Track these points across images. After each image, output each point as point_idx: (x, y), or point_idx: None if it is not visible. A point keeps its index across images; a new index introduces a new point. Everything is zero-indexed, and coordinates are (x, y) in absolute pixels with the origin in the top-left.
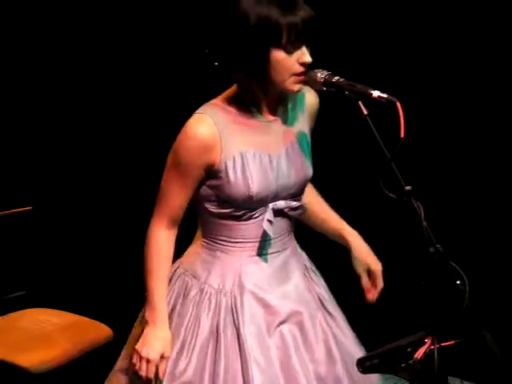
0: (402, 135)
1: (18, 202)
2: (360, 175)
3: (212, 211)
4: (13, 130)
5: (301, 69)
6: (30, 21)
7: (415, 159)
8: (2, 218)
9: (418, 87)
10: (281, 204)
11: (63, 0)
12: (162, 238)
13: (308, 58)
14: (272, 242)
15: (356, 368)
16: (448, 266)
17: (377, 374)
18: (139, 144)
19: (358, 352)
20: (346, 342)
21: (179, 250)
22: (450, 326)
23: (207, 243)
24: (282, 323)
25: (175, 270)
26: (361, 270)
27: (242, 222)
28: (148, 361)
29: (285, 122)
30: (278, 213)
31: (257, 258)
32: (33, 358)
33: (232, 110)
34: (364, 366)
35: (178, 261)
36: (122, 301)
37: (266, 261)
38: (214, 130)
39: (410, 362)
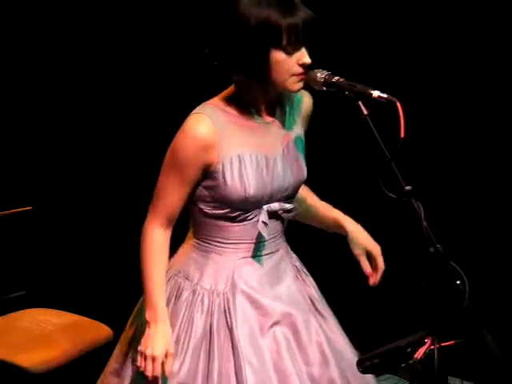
0: (402, 135)
1: (18, 202)
2: (360, 175)
3: (206, 212)
4: (13, 129)
5: (300, 70)
6: (30, 21)
7: (415, 159)
8: (1, 217)
9: (418, 87)
10: (275, 206)
11: (63, 0)
12: (158, 236)
13: (307, 59)
14: (265, 243)
15: (349, 369)
16: (448, 265)
17: (371, 375)
18: (139, 144)
19: (350, 352)
20: (338, 343)
21: (171, 250)
22: (450, 326)
23: (199, 244)
24: (274, 324)
25: (167, 271)
26: (359, 252)
27: (236, 224)
28: (153, 359)
29: (282, 123)
30: (271, 215)
31: (250, 259)
32: (33, 358)
33: (230, 110)
34: (364, 365)
35: (170, 261)
36: (121, 301)
37: (259, 262)
38: (213, 129)
39: (410, 361)
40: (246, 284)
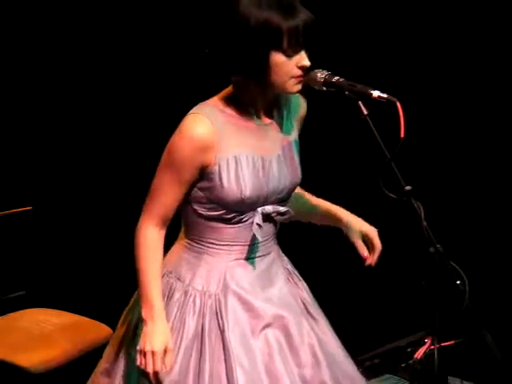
0: (402, 135)
1: (18, 202)
2: (360, 175)
3: (201, 213)
4: (13, 129)
5: (299, 72)
6: (30, 21)
7: (415, 159)
8: (2, 217)
9: (418, 87)
10: (269, 208)
11: (63, 0)
12: (152, 235)
13: (307, 62)
14: (258, 246)
15: (340, 371)
16: (448, 266)
17: (362, 378)
18: (139, 143)
19: (342, 355)
20: (330, 346)
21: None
22: (450, 326)
23: (192, 244)
24: (266, 327)
25: None
26: (356, 237)
27: (230, 225)
28: (153, 353)
29: (280, 126)
30: (265, 217)
31: (242, 261)
32: (33, 358)
33: (228, 111)
34: (364, 365)
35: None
36: (122, 301)
37: (251, 264)
38: (211, 130)
39: (410, 361)
40: (238, 286)
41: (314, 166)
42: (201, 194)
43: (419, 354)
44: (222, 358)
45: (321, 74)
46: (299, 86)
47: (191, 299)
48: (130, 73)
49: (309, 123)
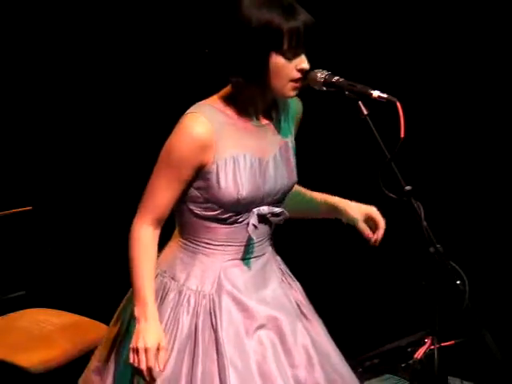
0: (402, 135)
1: (18, 202)
2: (360, 175)
3: (197, 213)
4: (13, 129)
5: (298, 75)
6: (29, 21)
7: (415, 159)
8: (2, 217)
9: (418, 87)
10: (264, 210)
11: (63, 0)
12: (146, 234)
13: (306, 65)
14: (253, 246)
15: (334, 372)
16: (448, 265)
17: (356, 380)
18: (139, 143)
19: (336, 355)
20: (324, 346)
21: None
22: (450, 326)
23: (187, 244)
24: (260, 328)
25: None
26: (357, 221)
27: (226, 226)
28: (146, 350)
29: (277, 128)
30: (260, 218)
31: (237, 261)
32: (33, 358)
33: (226, 111)
34: (364, 365)
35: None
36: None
37: (246, 265)
38: (210, 129)
39: (410, 361)
40: (233, 286)
41: (314, 166)
42: (197, 193)
43: (419, 354)
44: (215, 358)
45: (321, 74)
46: (295, 93)
47: (185, 299)
48: (129, 72)
49: (309, 123)
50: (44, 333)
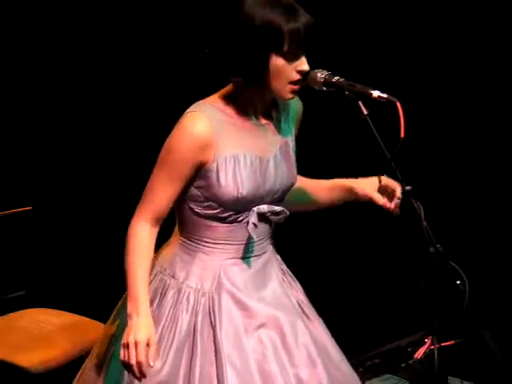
0: (402, 135)
1: (18, 202)
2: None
3: (197, 211)
4: (13, 129)
5: (298, 76)
6: (29, 21)
7: (415, 159)
8: (2, 217)
9: (418, 87)
10: (264, 208)
11: (63, 0)
12: (143, 232)
13: (306, 67)
14: (253, 245)
15: (335, 371)
16: (448, 265)
17: (358, 379)
18: (140, 143)
19: (337, 354)
20: (325, 346)
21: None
22: (450, 326)
23: (186, 242)
24: (260, 327)
25: (152, 267)
26: (369, 192)
27: (226, 224)
28: (136, 344)
29: (277, 127)
30: (260, 217)
31: (237, 260)
32: (33, 358)
33: (227, 110)
34: (365, 365)
35: (155, 257)
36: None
37: (246, 264)
38: (210, 128)
39: (410, 361)
40: (233, 285)
41: (314, 166)
42: (197, 192)
43: (419, 353)
44: (213, 357)
45: (321, 74)
46: (293, 96)
47: (185, 297)
48: (129, 72)
49: (309, 123)
50: (44, 333)
